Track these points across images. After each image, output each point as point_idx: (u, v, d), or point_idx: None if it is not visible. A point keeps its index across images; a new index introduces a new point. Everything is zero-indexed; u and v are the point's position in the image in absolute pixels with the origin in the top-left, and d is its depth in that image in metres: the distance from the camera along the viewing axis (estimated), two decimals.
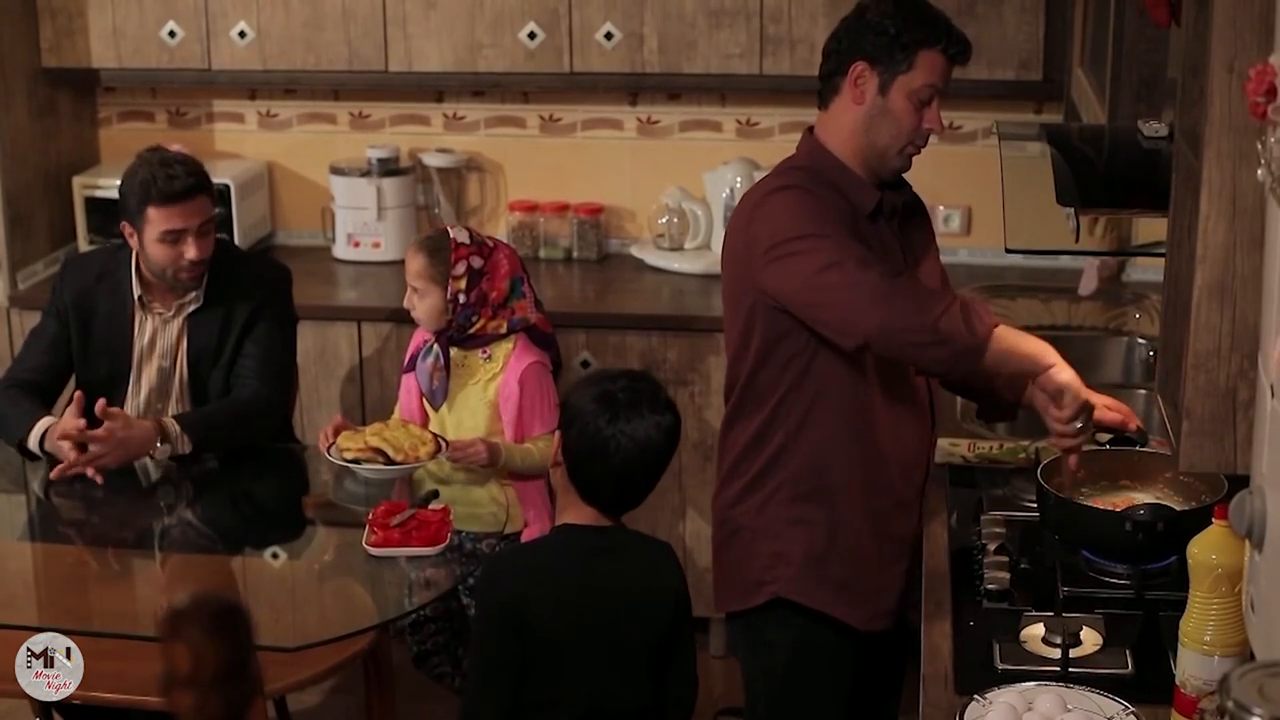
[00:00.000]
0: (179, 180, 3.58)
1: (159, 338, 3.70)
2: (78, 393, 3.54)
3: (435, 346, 3.71)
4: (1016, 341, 2.75)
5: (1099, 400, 2.94)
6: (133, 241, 3.64)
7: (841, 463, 2.93)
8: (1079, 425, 2.77)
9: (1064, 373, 2.77)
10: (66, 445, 3.44)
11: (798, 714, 3.06)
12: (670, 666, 2.82)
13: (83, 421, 3.46)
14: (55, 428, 3.49)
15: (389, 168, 4.70)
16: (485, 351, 3.71)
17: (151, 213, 3.56)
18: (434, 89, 4.74)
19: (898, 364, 2.88)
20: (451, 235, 3.71)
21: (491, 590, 2.76)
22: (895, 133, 2.87)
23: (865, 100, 2.87)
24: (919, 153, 2.93)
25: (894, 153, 2.89)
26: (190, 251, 3.59)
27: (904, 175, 3.04)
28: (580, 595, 2.74)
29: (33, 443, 3.52)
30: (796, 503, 2.96)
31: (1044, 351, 2.78)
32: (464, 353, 3.72)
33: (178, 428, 3.51)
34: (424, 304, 3.67)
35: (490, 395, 3.70)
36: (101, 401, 3.47)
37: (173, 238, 3.57)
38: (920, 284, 2.87)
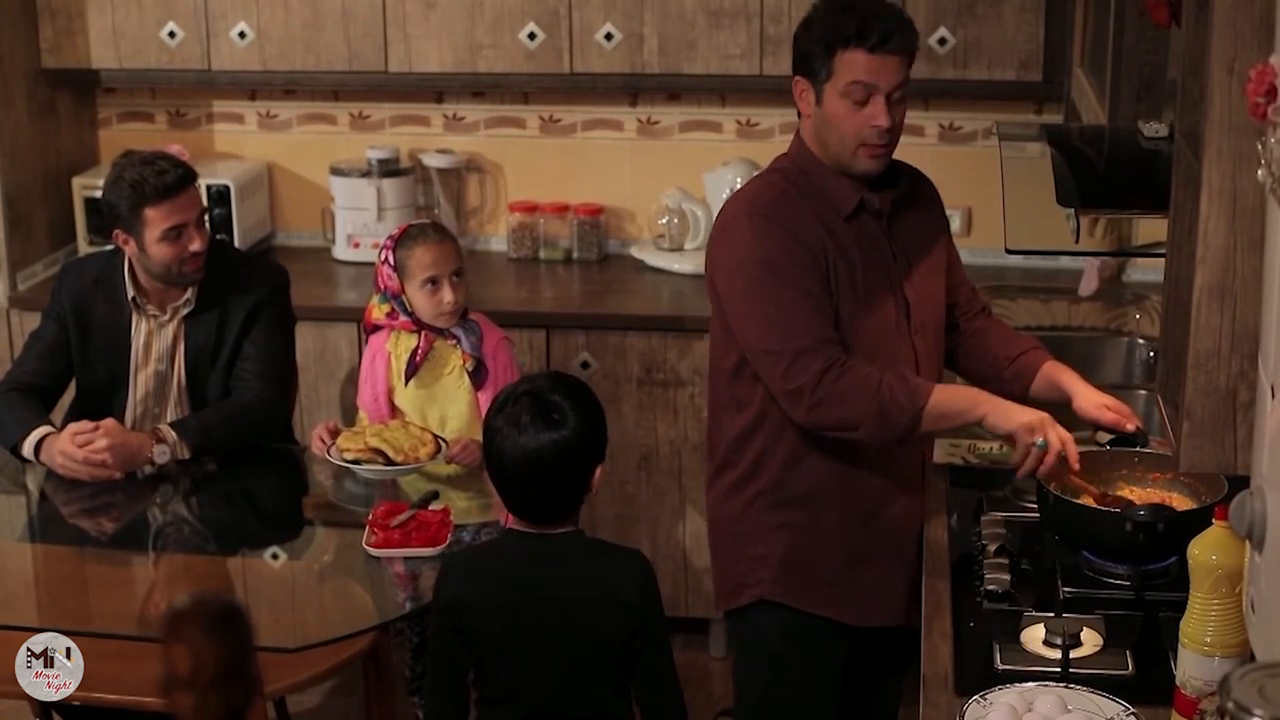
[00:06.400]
0: (169, 175, 3.58)
1: (154, 341, 3.70)
2: (69, 428, 3.53)
3: (427, 342, 3.69)
4: (946, 404, 2.81)
5: (1097, 400, 2.94)
6: (129, 248, 3.62)
7: (819, 470, 2.95)
8: (1037, 443, 2.74)
9: (997, 417, 2.79)
10: (79, 469, 3.46)
11: (786, 707, 3.08)
12: (637, 680, 2.79)
13: (81, 453, 3.46)
14: (52, 442, 3.49)
15: (389, 168, 4.69)
16: (452, 338, 3.70)
17: (149, 213, 3.56)
18: (434, 89, 4.74)
19: (905, 363, 2.91)
20: (428, 222, 3.77)
21: (439, 590, 2.80)
22: (840, 138, 2.85)
23: (810, 112, 2.89)
24: (882, 152, 2.86)
25: (848, 156, 2.87)
26: (194, 243, 3.59)
27: (910, 168, 3.05)
28: (516, 598, 2.74)
29: (27, 450, 3.52)
30: (777, 508, 2.99)
31: (973, 404, 2.82)
32: (438, 340, 3.71)
33: (174, 435, 3.52)
34: (461, 287, 3.66)
35: (468, 382, 3.69)
36: (87, 424, 3.49)
37: (175, 234, 3.57)
38: (855, 377, 2.80)
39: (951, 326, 3.13)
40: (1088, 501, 2.79)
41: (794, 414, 2.85)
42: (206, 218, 3.74)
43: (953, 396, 2.84)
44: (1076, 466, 2.78)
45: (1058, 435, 2.75)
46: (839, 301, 2.86)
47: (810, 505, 2.97)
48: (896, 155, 2.95)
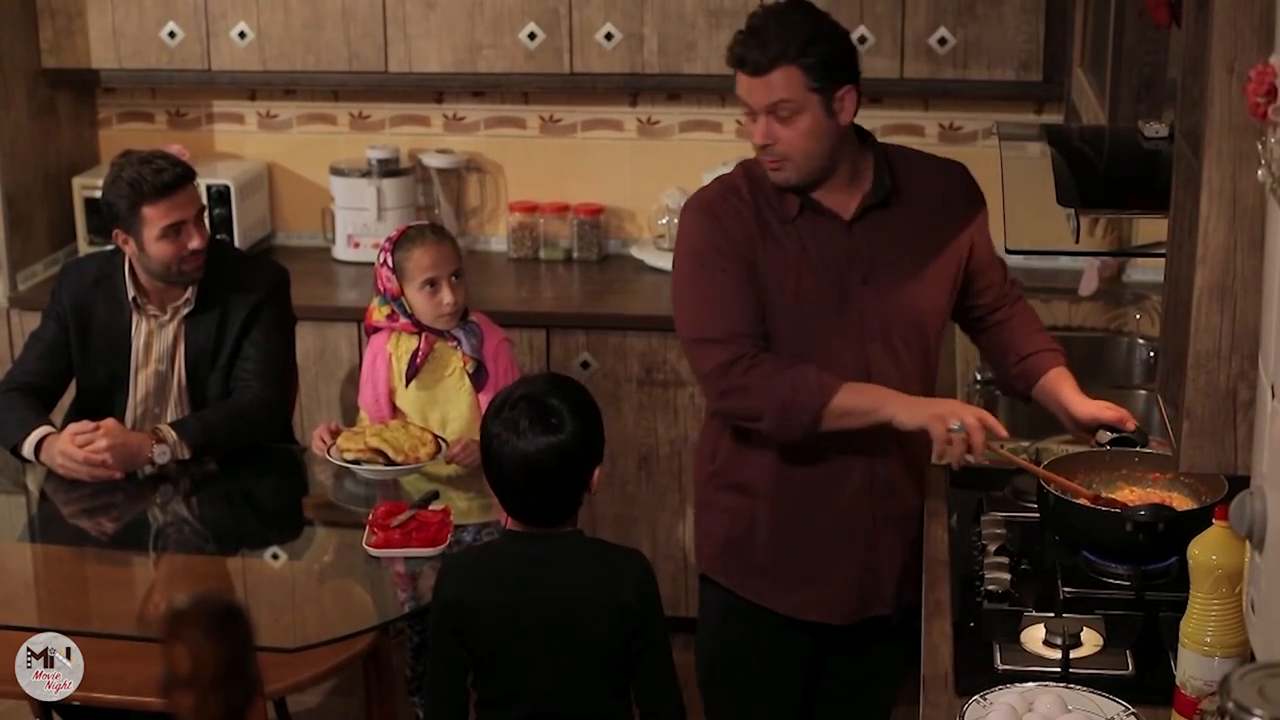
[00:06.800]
0: (166, 173, 3.58)
1: (155, 341, 3.70)
2: (69, 428, 3.54)
3: (427, 343, 3.69)
4: (853, 403, 2.82)
5: (1097, 402, 2.94)
6: (128, 247, 3.62)
7: (760, 461, 2.97)
8: (954, 428, 2.75)
9: (905, 415, 2.80)
10: (79, 469, 3.47)
11: (731, 680, 3.13)
12: (636, 681, 2.80)
13: (81, 453, 3.46)
14: (52, 442, 3.50)
15: (389, 168, 4.70)
16: (453, 340, 3.70)
17: (147, 211, 3.56)
18: (434, 89, 4.74)
19: (850, 366, 2.89)
20: (425, 223, 3.76)
21: (438, 592, 2.80)
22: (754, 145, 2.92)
23: None
24: (777, 166, 2.88)
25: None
26: (193, 241, 3.60)
27: (930, 166, 3.06)
28: (514, 601, 2.74)
29: (27, 451, 3.52)
30: (723, 490, 3.05)
31: (880, 403, 2.82)
32: (438, 342, 3.70)
33: (175, 435, 3.52)
34: (460, 288, 3.66)
35: (469, 383, 3.68)
36: (87, 424, 3.50)
37: (174, 231, 3.58)
38: (762, 370, 2.83)
39: (975, 320, 3.15)
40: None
41: (708, 401, 2.96)
42: (206, 217, 3.74)
43: (859, 395, 2.84)
44: (1003, 433, 2.82)
45: (973, 413, 2.78)
46: (768, 300, 2.88)
47: (749, 494, 3.01)
48: (925, 147, 2.94)
